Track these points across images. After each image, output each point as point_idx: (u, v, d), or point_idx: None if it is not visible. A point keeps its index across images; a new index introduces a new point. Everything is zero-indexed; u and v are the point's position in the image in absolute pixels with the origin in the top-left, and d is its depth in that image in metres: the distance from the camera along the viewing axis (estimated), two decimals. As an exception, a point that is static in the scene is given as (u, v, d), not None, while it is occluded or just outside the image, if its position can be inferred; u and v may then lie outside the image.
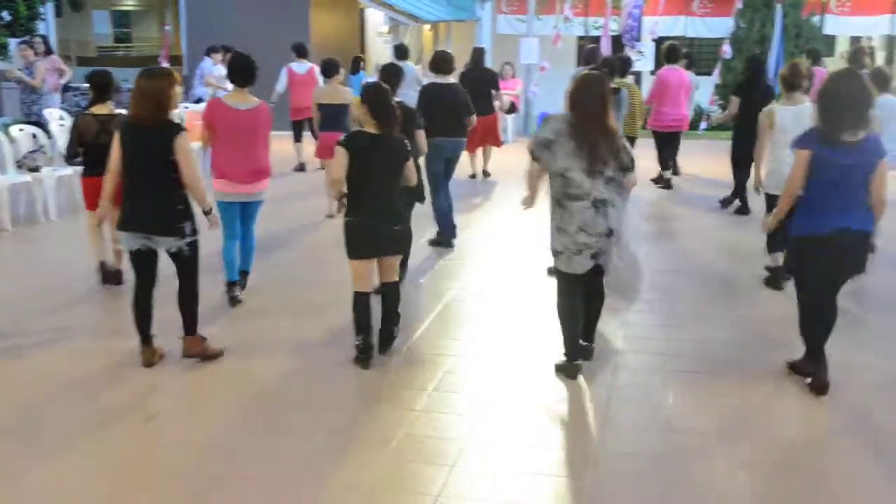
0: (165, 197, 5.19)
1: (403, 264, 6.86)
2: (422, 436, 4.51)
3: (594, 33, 19.04)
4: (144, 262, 5.30)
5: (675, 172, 12.44)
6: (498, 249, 8.49)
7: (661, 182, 12.02)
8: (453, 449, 4.33)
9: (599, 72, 5.62)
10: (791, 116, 6.72)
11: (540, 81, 17.39)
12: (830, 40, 20.48)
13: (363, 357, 5.37)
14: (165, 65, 15.29)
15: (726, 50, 17.12)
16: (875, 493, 4.00)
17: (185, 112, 12.26)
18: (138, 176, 5.23)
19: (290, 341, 5.84)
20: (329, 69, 9.80)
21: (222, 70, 13.77)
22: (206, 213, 5.40)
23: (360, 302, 5.41)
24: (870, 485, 4.07)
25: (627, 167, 5.09)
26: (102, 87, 6.84)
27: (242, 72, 6.43)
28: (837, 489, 4.03)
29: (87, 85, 7.15)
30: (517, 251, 8.33)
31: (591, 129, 5.00)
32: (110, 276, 6.94)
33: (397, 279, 5.62)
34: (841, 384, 5.04)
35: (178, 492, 3.94)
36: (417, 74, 12.99)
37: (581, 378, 5.23)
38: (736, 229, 9.55)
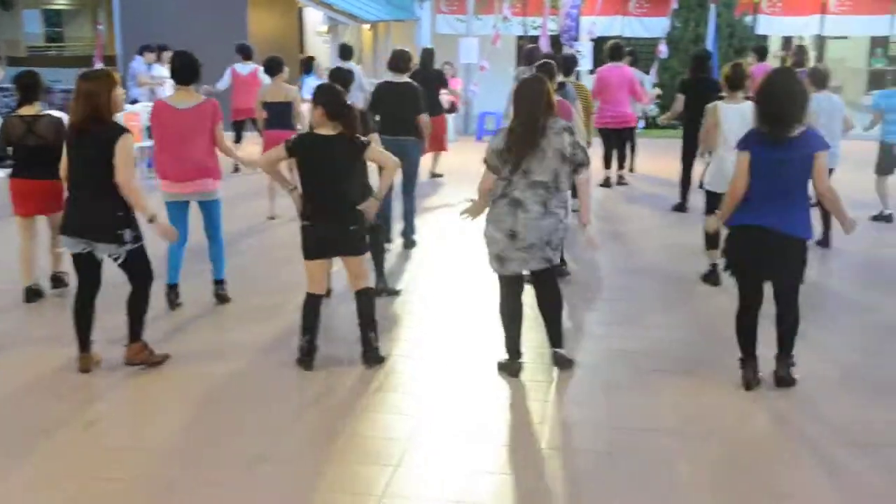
0: (105, 202, 5.10)
1: (380, 272, 6.80)
2: (366, 436, 4.51)
3: (533, 33, 19.16)
4: (86, 267, 5.22)
5: (630, 169, 12.67)
6: (444, 250, 8.51)
7: (605, 182, 12.16)
8: (397, 449, 4.34)
9: (538, 74, 5.63)
10: (734, 115, 6.82)
11: (480, 81, 17.46)
12: (763, 40, 20.93)
13: (305, 359, 5.35)
14: (100, 65, 14.97)
15: (662, 50, 17.39)
16: (824, 486, 4.11)
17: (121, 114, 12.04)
18: (79, 179, 5.17)
19: (238, 344, 5.80)
20: (273, 67, 9.68)
21: (162, 70, 13.59)
22: (150, 220, 5.25)
23: (310, 303, 5.38)
24: (816, 478, 4.18)
25: (581, 163, 5.09)
26: (28, 88, 6.68)
27: (184, 70, 6.38)
28: (784, 482, 4.12)
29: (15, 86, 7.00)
30: (463, 252, 8.36)
31: (523, 130, 5.05)
32: (34, 296, 6.73)
33: (368, 286, 5.48)
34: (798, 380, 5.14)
35: (133, 497, 3.89)
36: (360, 76, 12.92)
37: (527, 376, 5.28)
38: (679, 227, 9.62)
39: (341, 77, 6.96)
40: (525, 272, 5.31)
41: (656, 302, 6.90)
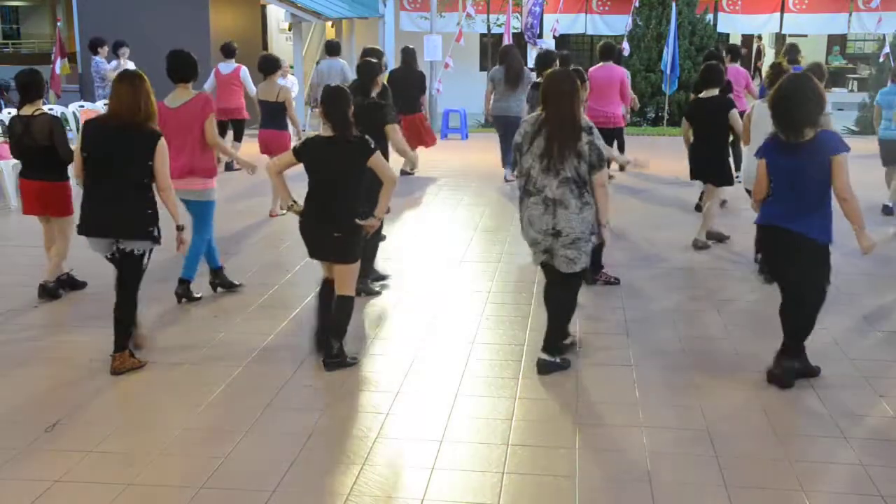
0: (131, 199, 5.28)
1: (367, 272, 6.60)
2: (333, 434, 4.52)
3: (497, 31, 19.21)
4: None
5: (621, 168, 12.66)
6: (417, 245, 8.50)
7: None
8: (365, 447, 4.35)
9: (569, 70, 5.68)
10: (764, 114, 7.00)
11: (443, 78, 17.47)
12: (724, 38, 21.16)
13: (317, 338, 5.46)
14: (60, 62, 14.77)
15: (625, 47, 17.51)
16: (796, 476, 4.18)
17: (81, 111, 11.90)
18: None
19: (212, 342, 5.78)
20: (267, 66, 9.61)
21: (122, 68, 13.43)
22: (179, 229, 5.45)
23: (323, 288, 5.50)
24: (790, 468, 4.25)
25: (594, 165, 5.00)
26: (25, 87, 6.68)
27: (177, 68, 6.42)
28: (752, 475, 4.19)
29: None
30: (434, 247, 8.39)
31: (552, 126, 5.04)
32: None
33: (349, 293, 5.39)
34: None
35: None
36: (346, 72, 12.82)
37: (495, 373, 5.32)
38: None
39: (367, 70, 6.82)
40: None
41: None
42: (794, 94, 4.86)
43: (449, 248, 8.40)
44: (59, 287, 6.73)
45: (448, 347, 5.75)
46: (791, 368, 5.08)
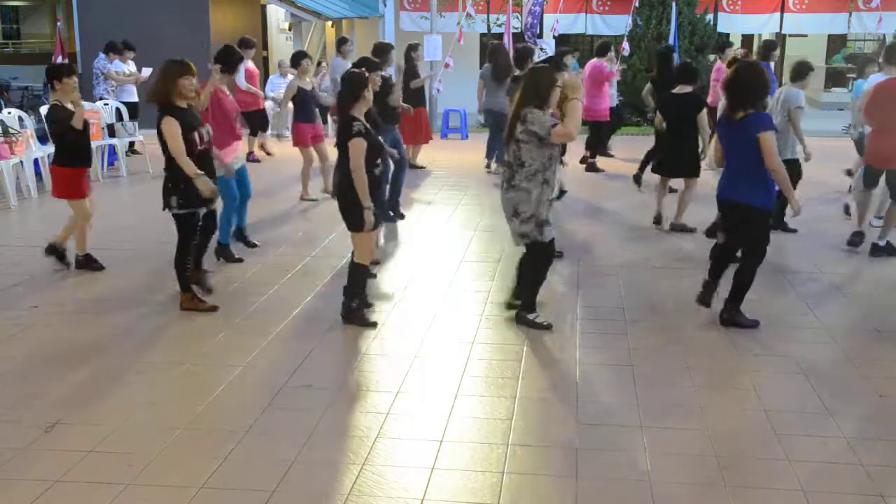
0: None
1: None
2: (332, 434, 4.51)
3: (497, 30, 19.20)
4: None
5: (594, 156, 13.04)
6: (416, 244, 8.51)
7: (587, 165, 12.91)
8: (364, 446, 4.35)
9: (545, 66, 6.19)
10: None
11: (443, 78, 17.47)
12: (724, 38, 21.15)
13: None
14: (60, 61, 14.78)
15: (625, 47, 17.51)
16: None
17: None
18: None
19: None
20: (296, 60, 10.43)
21: (125, 68, 13.59)
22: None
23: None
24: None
25: (543, 137, 5.60)
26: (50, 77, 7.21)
27: (229, 61, 7.58)
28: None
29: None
30: (434, 246, 8.39)
31: (511, 117, 5.82)
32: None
33: (357, 261, 6.04)
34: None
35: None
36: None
37: (495, 373, 5.33)
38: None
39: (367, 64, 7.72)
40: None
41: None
42: (735, 79, 5.80)
43: (449, 247, 8.40)
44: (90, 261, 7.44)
45: (448, 347, 5.75)
46: (734, 313, 6.04)
